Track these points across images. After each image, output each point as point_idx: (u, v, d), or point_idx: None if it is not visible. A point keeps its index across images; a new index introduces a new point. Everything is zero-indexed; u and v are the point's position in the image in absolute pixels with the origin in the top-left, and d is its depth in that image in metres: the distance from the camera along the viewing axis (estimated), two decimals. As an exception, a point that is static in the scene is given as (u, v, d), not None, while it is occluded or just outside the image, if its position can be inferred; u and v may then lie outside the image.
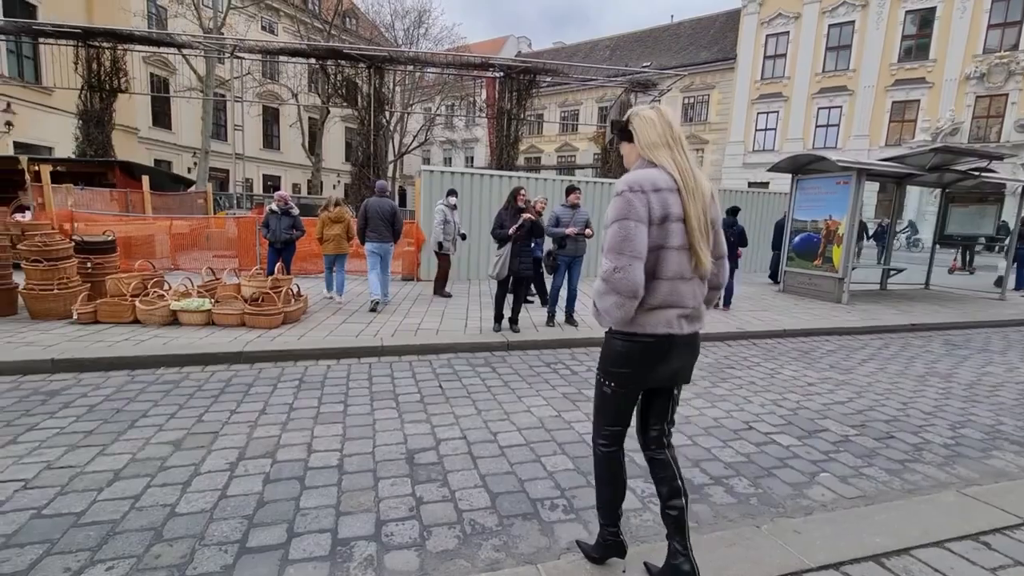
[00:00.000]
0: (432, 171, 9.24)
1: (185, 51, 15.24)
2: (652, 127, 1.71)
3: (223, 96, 25.76)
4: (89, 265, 6.07)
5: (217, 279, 6.07)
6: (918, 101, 24.40)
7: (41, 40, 15.05)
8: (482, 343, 5.39)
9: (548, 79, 15.82)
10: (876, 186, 21.46)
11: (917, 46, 24.39)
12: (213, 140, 23.57)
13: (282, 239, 6.78)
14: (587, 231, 5.87)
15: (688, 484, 2.24)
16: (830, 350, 5.95)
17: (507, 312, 5.89)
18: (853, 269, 8.63)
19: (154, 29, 14.61)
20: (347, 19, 33.00)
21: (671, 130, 1.71)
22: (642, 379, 1.79)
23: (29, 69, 19.15)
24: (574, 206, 6.19)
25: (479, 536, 2.26)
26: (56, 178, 11.33)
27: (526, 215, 5.38)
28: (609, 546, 1.95)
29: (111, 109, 14.18)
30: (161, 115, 28.40)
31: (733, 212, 8.26)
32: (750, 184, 26.38)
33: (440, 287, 7.97)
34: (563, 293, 6.30)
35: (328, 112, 25.67)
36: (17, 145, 17.37)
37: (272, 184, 33.48)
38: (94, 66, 13.65)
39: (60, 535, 2.17)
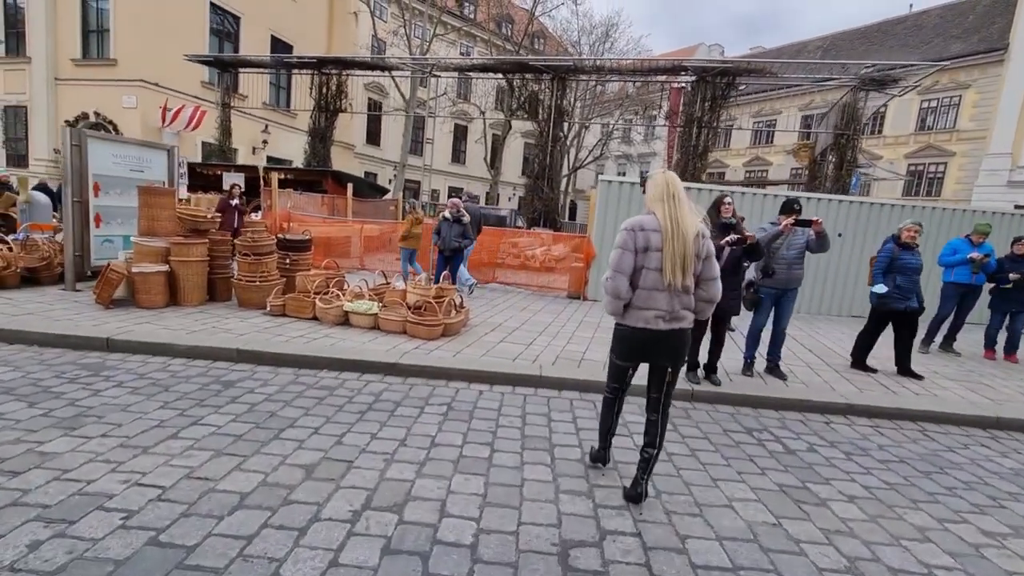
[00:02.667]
0: (611, 182, 8.46)
1: (394, 73, 17.00)
2: (656, 188, 2.49)
3: (422, 114, 28.57)
4: (288, 261, 6.61)
5: (387, 283, 6.10)
6: None
7: (294, 71, 18.28)
8: (659, 388, 4.39)
9: (747, 83, 13.92)
10: None
11: None
12: (410, 155, 26.26)
13: (451, 247, 6.64)
14: (814, 226, 4.44)
15: None
16: None
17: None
18: None
19: (369, 55, 16.61)
20: (535, 40, 34.27)
21: (668, 189, 2.45)
22: (633, 356, 2.63)
23: (283, 98, 23.55)
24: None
25: None
26: (286, 184, 13.34)
27: (732, 236, 4.23)
28: (597, 456, 2.97)
29: (332, 127, 16.39)
30: (373, 133, 32.80)
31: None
32: (1017, 207, 20.31)
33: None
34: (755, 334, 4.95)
35: (510, 127, 26.72)
36: (270, 159, 21.31)
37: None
38: (323, 90, 15.94)
39: (161, 578, 1.86)
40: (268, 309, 5.80)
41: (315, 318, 5.68)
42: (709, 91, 12.98)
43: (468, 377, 4.39)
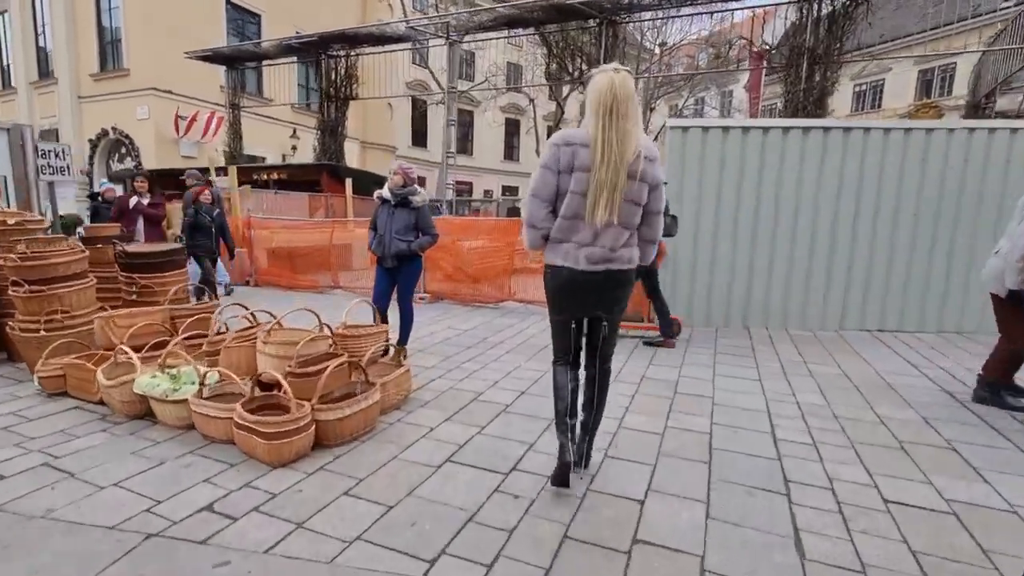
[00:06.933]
0: (687, 128, 5.06)
1: (418, 47, 14.50)
2: (593, 94, 1.90)
3: (468, 108, 26.14)
4: (135, 289, 3.97)
5: (255, 324, 3.24)
6: None
7: (311, 60, 16.21)
8: None
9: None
10: None
11: None
12: (460, 155, 23.74)
13: (394, 251, 3.65)
14: None
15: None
16: None
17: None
18: None
19: (374, 24, 14.09)
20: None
21: (605, 103, 1.85)
22: (564, 306, 2.09)
23: (315, 98, 21.86)
24: None
25: None
26: (283, 185, 11.07)
27: None
28: (559, 472, 2.06)
29: (344, 117, 14.13)
30: (419, 135, 30.80)
31: None
32: None
33: (1009, 377, 3.20)
34: None
35: (562, 112, 23.47)
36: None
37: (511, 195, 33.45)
38: (332, 76, 13.69)
39: None
40: (37, 385, 3.13)
41: (103, 402, 2.93)
42: (826, 13, 9.14)
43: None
